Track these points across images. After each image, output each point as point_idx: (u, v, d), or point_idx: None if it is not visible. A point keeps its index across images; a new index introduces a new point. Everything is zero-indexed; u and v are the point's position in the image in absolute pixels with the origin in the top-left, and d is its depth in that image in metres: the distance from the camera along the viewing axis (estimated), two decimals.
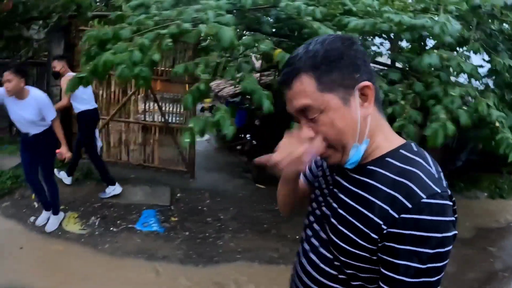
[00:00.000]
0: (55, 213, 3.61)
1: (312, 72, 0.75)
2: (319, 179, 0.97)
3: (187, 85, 4.87)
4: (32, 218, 3.70)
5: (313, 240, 0.91)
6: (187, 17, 3.04)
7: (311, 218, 0.96)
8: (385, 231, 0.71)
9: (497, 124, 2.68)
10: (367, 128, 0.78)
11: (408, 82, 3.25)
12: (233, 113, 7.91)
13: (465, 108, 2.76)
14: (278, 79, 0.83)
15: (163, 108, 4.91)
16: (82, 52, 3.23)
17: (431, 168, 0.75)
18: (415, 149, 0.80)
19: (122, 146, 4.93)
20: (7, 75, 2.91)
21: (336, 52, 0.76)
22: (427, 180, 0.70)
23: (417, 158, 0.76)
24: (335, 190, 0.86)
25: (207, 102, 2.67)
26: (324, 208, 0.89)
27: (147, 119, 5.00)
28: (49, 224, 3.57)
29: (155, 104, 4.89)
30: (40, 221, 3.61)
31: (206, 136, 6.96)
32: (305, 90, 0.75)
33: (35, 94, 3.16)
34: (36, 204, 3.91)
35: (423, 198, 0.68)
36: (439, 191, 0.69)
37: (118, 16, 3.21)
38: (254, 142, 6.89)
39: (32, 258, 3.18)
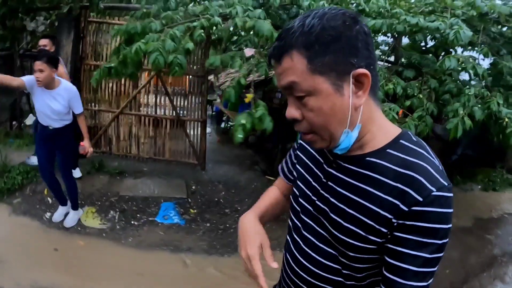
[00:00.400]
0: (75, 208, 3.45)
1: (304, 50, 0.67)
2: (301, 172, 0.92)
3: (196, 78, 4.80)
4: (48, 214, 3.53)
5: (309, 236, 0.85)
6: (213, 12, 3.00)
7: (300, 213, 0.89)
8: (395, 224, 0.69)
9: (506, 119, 2.83)
10: (358, 118, 0.72)
11: (423, 79, 3.41)
12: (236, 106, 7.88)
13: (479, 106, 2.90)
14: (268, 52, 0.75)
15: (174, 102, 4.78)
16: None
17: (435, 159, 0.72)
18: (414, 138, 0.76)
19: (133, 139, 4.79)
20: (38, 64, 2.73)
21: (333, 32, 0.67)
22: (434, 173, 0.68)
23: (419, 149, 0.73)
24: (330, 183, 0.81)
25: (249, 98, 2.64)
26: (318, 203, 0.83)
27: (158, 112, 4.87)
28: (68, 220, 3.41)
29: (166, 98, 4.77)
30: (56, 217, 3.44)
31: (208, 130, 6.87)
32: (294, 68, 0.69)
33: (66, 85, 3.01)
34: (50, 200, 3.74)
35: (433, 191, 0.66)
36: (446, 184, 0.68)
37: (144, 14, 3.13)
38: (258, 134, 6.87)
39: (55, 255, 3.05)
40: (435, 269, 0.69)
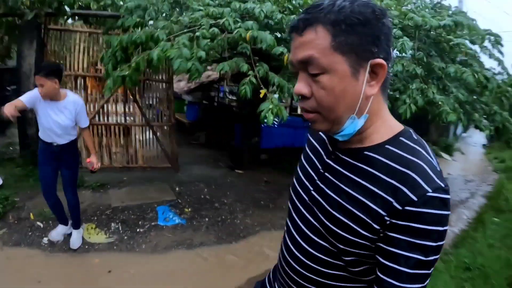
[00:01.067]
0: (77, 227, 3.23)
1: (330, 26, 0.66)
2: (302, 162, 0.91)
3: (164, 84, 4.80)
4: (45, 239, 3.25)
5: (302, 226, 0.84)
6: (205, 23, 3.19)
7: (296, 201, 0.89)
8: (388, 222, 0.67)
9: (440, 103, 3.73)
10: (367, 108, 0.71)
11: None
12: (181, 107, 7.87)
13: (420, 96, 3.76)
14: (290, 23, 0.71)
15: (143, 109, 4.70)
16: (105, 55, 3.05)
17: (433, 159, 0.70)
18: (415, 137, 0.74)
19: (104, 149, 4.55)
20: (38, 79, 2.49)
21: (361, 17, 0.66)
22: (431, 173, 0.66)
23: (418, 148, 0.71)
24: (327, 174, 0.80)
25: (263, 93, 2.91)
26: (314, 193, 0.81)
27: (127, 120, 4.70)
28: (74, 240, 3.16)
29: (134, 105, 4.65)
30: (54, 236, 3.17)
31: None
32: (316, 41, 0.66)
33: (73, 97, 2.81)
34: (41, 224, 3.42)
35: (428, 191, 0.64)
36: (443, 185, 0.65)
37: (137, 24, 3.14)
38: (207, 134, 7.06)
39: (78, 278, 2.82)
40: (430, 271, 0.67)
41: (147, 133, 4.81)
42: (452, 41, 3.72)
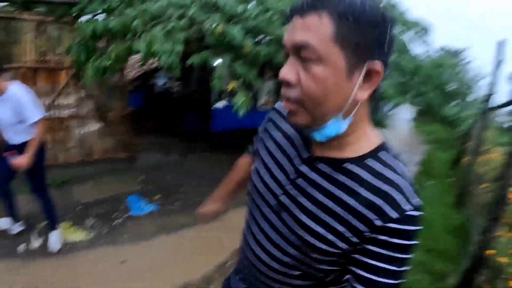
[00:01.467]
0: (53, 228, 3.06)
1: (336, 16, 0.60)
2: (264, 161, 0.85)
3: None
4: (21, 246, 3.02)
5: (266, 230, 0.81)
6: (174, 15, 3.24)
7: (259, 202, 0.84)
8: (367, 236, 0.67)
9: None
10: (352, 112, 0.66)
11: None
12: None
13: None
14: (293, 4, 0.65)
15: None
16: (74, 45, 2.91)
17: (407, 175, 0.70)
18: (392, 150, 0.73)
19: (58, 145, 4.23)
20: None
21: (371, 16, 0.60)
22: (409, 191, 0.67)
23: (396, 163, 0.70)
24: (300, 181, 0.75)
25: (231, 85, 3.07)
26: (283, 199, 0.77)
27: (80, 112, 4.40)
28: (53, 243, 3.02)
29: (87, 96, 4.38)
30: (2, 224, 3.11)
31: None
32: (318, 28, 0.60)
33: (14, 89, 2.48)
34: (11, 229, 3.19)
35: (406, 210, 0.65)
36: (419, 203, 0.67)
37: (108, 9, 3.03)
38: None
39: (73, 278, 2.74)
40: (404, 280, 0.69)
41: (101, 124, 4.61)
42: None
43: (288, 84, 0.65)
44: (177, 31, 3.10)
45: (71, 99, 4.28)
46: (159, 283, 2.76)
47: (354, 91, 0.63)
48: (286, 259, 0.77)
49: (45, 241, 3.12)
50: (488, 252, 2.39)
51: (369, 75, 0.64)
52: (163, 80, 7.77)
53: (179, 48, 2.96)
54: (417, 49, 5.14)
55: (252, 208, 0.87)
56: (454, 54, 17.69)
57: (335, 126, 0.66)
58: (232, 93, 3.40)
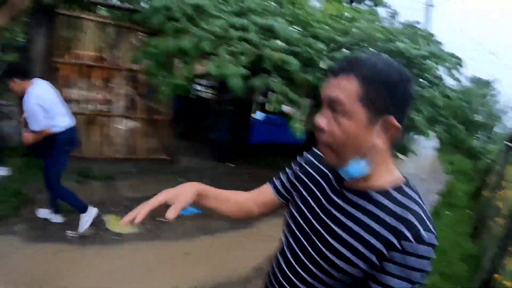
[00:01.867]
0: (81, 211, 3.13)
1: (362, 80, 0.74)
2: (302, 193, 0.95)
3: None
4: (69, 232, 3.16)
5: (297, 250, 0.89)
6: (235, 38, 3.41)
7: (293, 227, 0.93)
8: (388, 257, 0.74)
9: (416, 118, 4.39)
10: (372, 154, 0.78)
11: None
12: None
13: None
14: (332, 65, 0.83)
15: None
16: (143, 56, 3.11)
17: (425, 207, 0.78)
18: (412, 186, 0.82)
19: (104, 140, 4.39)
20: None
21: (389, 79, 0.74)
22: (427, 221, 0.75)
23: (415, 196, 0.79)
24: (331, 208, 0.85)
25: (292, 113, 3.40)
26: (315, 224, 0.86)
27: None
28: (80, 224, 3.12)
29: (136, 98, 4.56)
30: (43, 214, 3.23)
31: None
32: (347, 87, 0.74)
33: (28, 93, 2.72)
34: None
35: (425, 237, 0.72)
36: (435, 233, 0.74)
37: (178, 29, 3.25)
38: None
39: (127, 267, 2.84)
40: None
41: (147, 125, 4.77)
42: (425, 65, 4.44)
43: (321, 129, 0.78)
44: (238, 53, 3.27)
45: (121, 98, 4.46)
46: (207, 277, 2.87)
47: (372, 139, 0.76)
48: (311, 280, 0.84)
49: (96, 230, 3.21)
50: (496, 275, 2.64)
51: (386, 127, 0.76)
52: (199, 86, 7.96)
53: (243, 71, 3.11)
54: (450, 80, 5.14)
55: (287, 233, 0.95)
56: (484, 84, 17.62)
57: (356, 167, 0.78)
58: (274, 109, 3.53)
